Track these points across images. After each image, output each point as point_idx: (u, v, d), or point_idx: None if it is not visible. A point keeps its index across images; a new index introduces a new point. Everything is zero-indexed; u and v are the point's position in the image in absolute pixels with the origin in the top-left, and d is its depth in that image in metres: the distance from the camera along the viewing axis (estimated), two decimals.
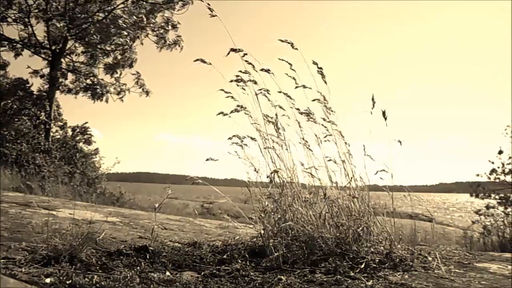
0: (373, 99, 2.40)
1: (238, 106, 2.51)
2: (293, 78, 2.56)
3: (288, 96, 2.57)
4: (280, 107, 2.59)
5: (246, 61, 2.47)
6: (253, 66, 2.49)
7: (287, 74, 2.56)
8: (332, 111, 2.58)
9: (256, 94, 2.52)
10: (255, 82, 2.51)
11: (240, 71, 2.51)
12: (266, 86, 2.54)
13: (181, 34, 15.92)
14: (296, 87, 2.56)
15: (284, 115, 2.60)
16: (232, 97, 2.52)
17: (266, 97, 2.55)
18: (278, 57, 2.51)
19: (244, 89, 2.53)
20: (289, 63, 2.53)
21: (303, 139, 2.59)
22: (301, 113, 2.59)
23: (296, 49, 2.49)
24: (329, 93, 2.57)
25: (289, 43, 2.49)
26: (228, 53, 2.41)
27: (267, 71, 2.49)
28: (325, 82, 2.55)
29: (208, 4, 2.45)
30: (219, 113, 2.50)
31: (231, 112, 2.51)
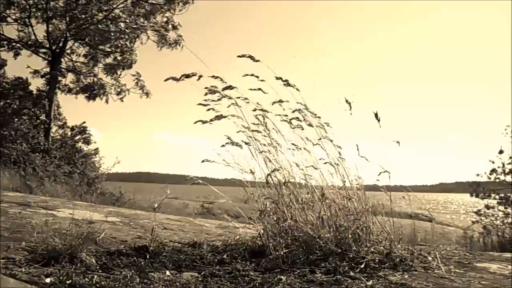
0: (347, 100, 2.46)
1: (217, 116, 2.49)
2: (259, 89, 2.52)
3: (265, 110, 2.56)
4: (265, 111, 2.58)
5: (213, 76, 2.46)
6: (221, 79, 2.48)
7: (251, 89, 2.53)
8: (318, 117, 2.59)
9: (236, 103, 2.51)
10: (230, 97, 2.49)
11: (206, 90, 2.50)
12: (249, 94, 2.53)
13: (183, 33, 15.91)
14: (273, 103, 2.54)
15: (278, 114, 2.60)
16: (213, 109, 2.51)
17: (249, 105, 2.55)
18: (244, 74, 2.48)
19: (215, 100, 2.52)
20: (256, 77, 2.50)
21: (293, 144, 2.59)
22: (291, 119, 2.60)
23: (258, 60, 2.47)
24: (305, 101, 2.58)
25: (248, 57, 2.46)
26: (180, 79, 2.39)
27: (231, 87, 2.47)
28: (298, 90, 2.56)
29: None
30: (196, 121, 2.45)
31: (211, 120, 2.48)
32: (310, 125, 2.59)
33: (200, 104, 2.52)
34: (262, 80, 2.51)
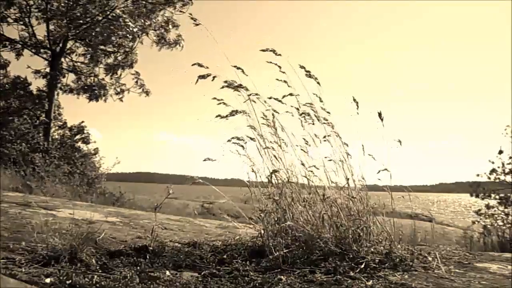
0: (354, 99, 2.46)
1: (233, 111, 2.51)
2: (285, 82, 2.55)
3: (279, 101, 2.57)
4: (274, 110, 2.59)
5: (235, 66, 2.50)
6: (242, 70, 2.52)
7: (277, 79, 2.57)
8: (327, 112, 2.59)
9: (249, 99, 2.52)
10: (247, 89, 2.52)
11: (226, 82, 2.51)
12: (258, 90, 2.56)
13: (182, 34, 15.93)
14: (284, 96, 2.55)
15: (287, 111, 2.60)
16: (224, 103, 2.53)
17: (258, 101, 2.56)
18: (267, 61, 2.52)
19: (238, 91, 2.53)
20: (278, 66, 2.53)
21: (304, 139, 2.59)
22: (301, 114, 2.59)
23: (280, 55, 2.50)
24: (320, 94, 2.58)
25: (271, 51, 2.49)
26: (196, 81, 2.43)
27: (240, 86, 2.50)
28: (319, 84, 2.56)
29: (190, 14, 2.52)
30: (217, 116, 2.50)
31: (226, 116, 2.50)
32: (319, 118, 2.58)
33: (214, 98, 2.54)
34: (283, 72, 2.53)
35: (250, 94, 2.53)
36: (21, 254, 1.99)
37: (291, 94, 2.56)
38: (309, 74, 2.54)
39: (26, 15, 14.91)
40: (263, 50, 2.48)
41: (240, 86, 2.50)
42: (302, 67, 2.53)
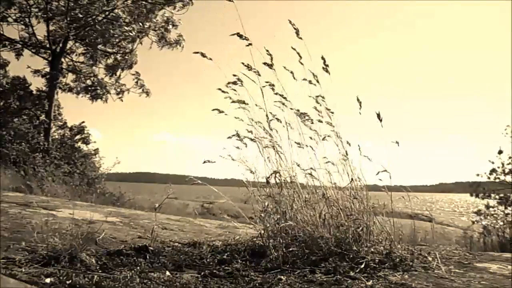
0: (358, 99, 2.45)
1: (239, 101, 2.50)
2: (291, 72, 2.53)
3: (284, 98, 2.56)
4: (283, 103, 2.57)
5: (242, 63, 2.49)
6: (272, 63, 2.47)
7: (284, 67, 2.54)
8: (331, 112, 2.57)
9: (262, 88, 2.51)
10: (259, 74, 2.49)
11: (243, 63, 2.50)
12: (267, 83, 2.53)
13: (183, 33, 15.93)
14: (304, 79, 2.52)
15: (277, 118, 2.59)
16: (230, 98, 2.52)
17: (267, 94, 2.54)
18: (284, 49, 2.52)
19: (235, 90, 2.52)
20: (299, 55, 2.51)
21: (298, 143, 2.58)
22: (300, 114, 2.58)
23: (301, 38, 2.47)
24: (325, 90, 2.56)
25: (295, 28, 2.46)
26: (233, 34, 2.40)
27: (270, 66, 2.48)
28: (318, 82, 2.52)
29: None
30: (214, 109, 2.49)
31: (232, 102, 2.49)
32: (311, 123, 2.58)
33: (219, 89, 2.54)
34: (301, 63, 2.50)
35: (268, 82, 2.51)
36: (21, 254, 1.99)
37: (310, 82, 2.52)
38: (326, 68, 2.50)
39: (26, 15, 14.90)
40: (290, 21, 2.45)
41: (269, 64, 2.46)
42: (322, 58, 2.49)
